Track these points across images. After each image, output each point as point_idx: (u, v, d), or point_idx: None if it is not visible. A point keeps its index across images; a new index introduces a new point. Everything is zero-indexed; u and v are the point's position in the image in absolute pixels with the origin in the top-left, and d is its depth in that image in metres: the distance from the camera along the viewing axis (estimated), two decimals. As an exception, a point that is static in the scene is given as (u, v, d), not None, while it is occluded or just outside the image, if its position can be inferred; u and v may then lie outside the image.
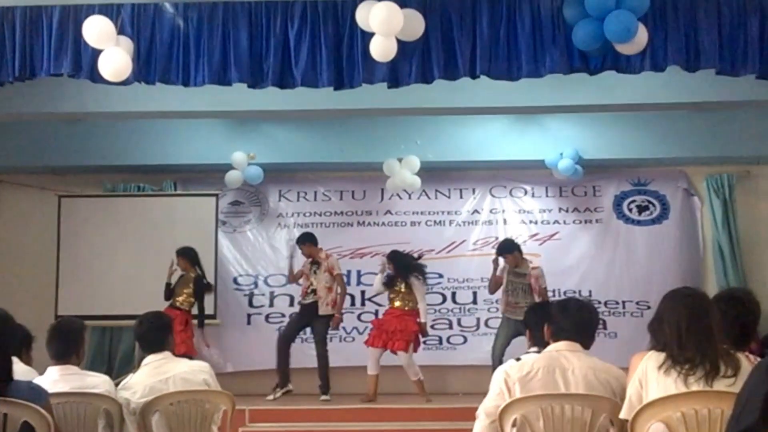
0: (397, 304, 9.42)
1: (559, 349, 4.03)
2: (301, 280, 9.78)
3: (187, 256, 9.45)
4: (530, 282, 9.16)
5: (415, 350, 9.38)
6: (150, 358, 4.88)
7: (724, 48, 6.27)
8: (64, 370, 4.62)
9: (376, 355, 9.29)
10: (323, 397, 9.27)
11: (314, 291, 9.48)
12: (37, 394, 3.80)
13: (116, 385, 4.85)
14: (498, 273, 9.36)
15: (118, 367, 10.24)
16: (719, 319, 3.62)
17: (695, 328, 3.56)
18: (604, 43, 5.98)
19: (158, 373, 4.79)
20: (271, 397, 9.16)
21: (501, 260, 9.31)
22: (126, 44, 6.15)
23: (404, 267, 9.49)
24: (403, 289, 9.41)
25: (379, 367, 9.28)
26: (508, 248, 9.38)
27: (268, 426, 8.48)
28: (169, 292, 9.37)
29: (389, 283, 9.49)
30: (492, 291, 9.62)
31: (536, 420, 3.78)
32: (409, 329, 9.26)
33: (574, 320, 4.09)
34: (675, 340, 3.55)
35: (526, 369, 3.97)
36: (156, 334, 4.95)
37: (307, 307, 9.54)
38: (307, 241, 9.69)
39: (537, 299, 8.89)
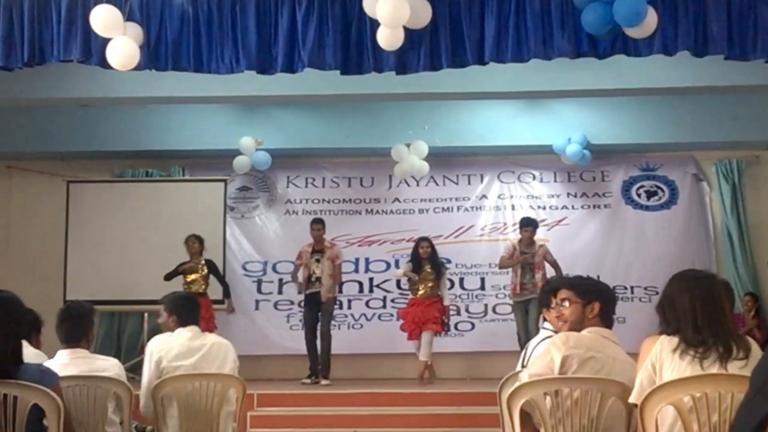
0: (421, 293, 9.53)
1: (605, 335, 3.95)
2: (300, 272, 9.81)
3: (201, 240, 9.63)
4: (534, 261, 9.41)
5: (441, 330, 9.62)
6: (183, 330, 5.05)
7: (733, 33, 6.23)
8: (74, 353, 4.63)
9: (418, 344, 9.51)
10: (324, 382, 9.30)
11: (318, 279, 9.51)
12: (47, 377, 3.81)
13: (126, 369, 4.92)
14: (514, 258, 9.53)
15: (126, 351, 10.28)
16: (728, 301, 3.63)
17: (708, 310, 3.55)
18: (613, 26, 5.96)
19: (196, 338, 5.01)
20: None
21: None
22: (135, 31, 6.13)
23: (435, 250, 9.66)
24: (430, 275, 9.52)
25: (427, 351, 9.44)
26: (533, 222, 9.70)
27: (276, 410, 8.51)
28: (171, 276, 9.49)
29: (417, 268, 9.56)
30: (501, 266, 9.79)
31: (544, 403, 3.77)
32: (438, 314, 9.48)
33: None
34: (689, 322, 3.53)
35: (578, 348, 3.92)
36: (192, 309, 5.21)
37: (312, 296, 9.57)
38: (322, 224, 9.74)
39: (539, 277, 9.30)
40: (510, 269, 9.62)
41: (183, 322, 5.08)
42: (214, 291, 9.71)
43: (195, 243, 9.62)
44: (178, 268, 9.52)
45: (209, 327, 9.02)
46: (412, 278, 9.59)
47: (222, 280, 9.85)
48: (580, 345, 3.81)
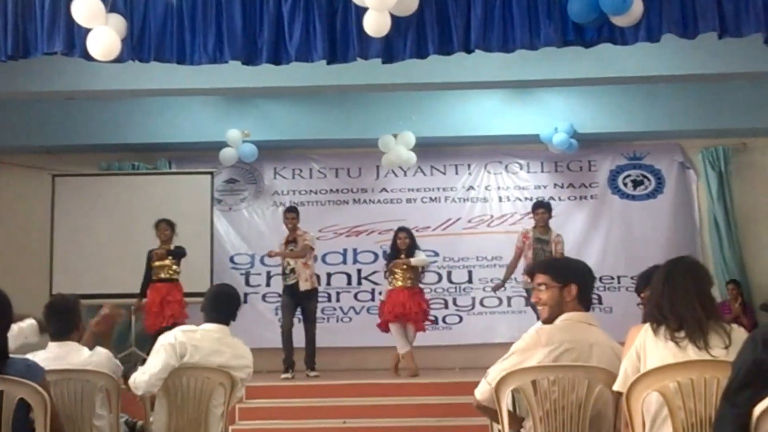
0: (399, 283, 9.37)
1: (578, 319, 3.95)
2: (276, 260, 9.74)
3: (172, 225, 9.45)
4: (551, 249, 9.27)
5: (422, 328, 9.48)
6: (211, 327, 4.92)
7: (724, 8, 6.08)
8: (64, 346, 4.62)
9: (400, 332, 9.30)
10: (312, 374, 9.25)
11: (293, 270, 9.40)
12: (33, 371, 3.79)
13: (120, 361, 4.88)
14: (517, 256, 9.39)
15: (115, 345, 10.23)
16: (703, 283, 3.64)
17: (692, 296, 3.56)
18: (599, 15, 5.95)
19: (220, 343, 4.86)
20: (289, 375, 9.17)
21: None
22: (117, 22, 6.08)
23: (414, 241, 9.53)
24: (402, 266, 9.38)
25: (408, 342, 9.30)
26: (546, 204, 9.55)
27: (264, 402, 8.50)
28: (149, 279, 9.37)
29: (392, 257, 9.46)
30: (506, 278, 9.64)
31: (532, 391, 3.78)
32: (422, 308, 9.36)
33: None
34: (672, 308, 3.55)
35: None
36: (228, 306, 5.04)
37: (290, 287, 9.43)
38: (296, 213, 9.62)
39: None
40: (522, 257, 9.38)
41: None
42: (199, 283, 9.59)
43: (167, 229, 9.39)
44: (149, 272, 9.37)
45: (180, 314, 8.99)
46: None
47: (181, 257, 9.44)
48: (551, 341, 3.83)
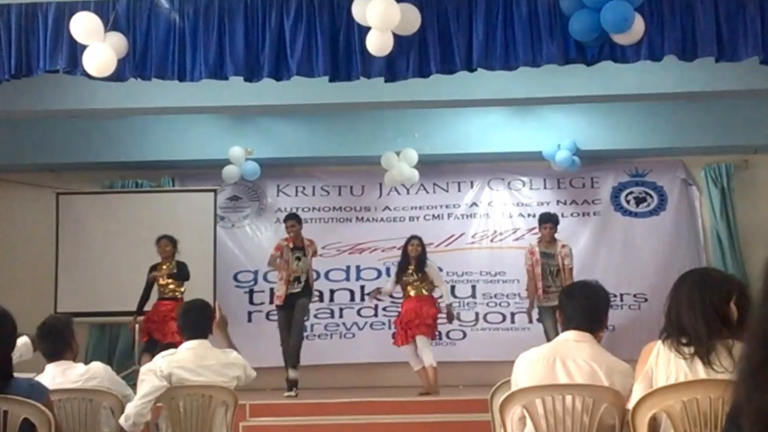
0: (413, 293, 9.31)
1: (567, 338, 3.95)
2: (275, 273, 9.62)
3: (174, 242, 9.43)
4: (558, 262, 9.22)
5: (432, 336, 9.36)
6: (191, 344, 4.91)
7: (722, 34, 6.20)
8: (60, 365, 4.64)
9: (410, 352, 9.22)
10: (292, 374, 9.08)
11: (298, 279, 9.31)
12: (37, 391, 3.79)
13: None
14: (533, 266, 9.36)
15: (118, 363, 10.23)
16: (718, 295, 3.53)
17: (695, 309, 3.45)
18: (600, 33, 5.98)
19: (203, 357, 4.86)
20: (293, 393, 9.04)
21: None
22: (116, 40, 6.12)
23: (425, 251, 9.46)
24: (415, 276, 9.30)
25: (420, 360, 9.22)
26: (553, 218, 9.50)
27: (268, 420, 8.47)
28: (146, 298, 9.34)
29: (401, 270, 9.38)
30: (531, 302, 9.54)
31: (537, 411, 3.77)
32: (426, 313, 9.19)
33: (581, 307, 3.98)
34: (678, 322, 3.49)
35: (534, 355, 3.95)
36: (201, 320, 5.02)
37: (291, 297, 9.26)
38: (296, 220, 9.53)
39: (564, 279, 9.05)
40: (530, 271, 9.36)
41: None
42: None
43: (168, 245, 9.37)
44: (149, 290, 9.35)
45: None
46: (382, 292, 9.57)
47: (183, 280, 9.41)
48: (531, 354, 3.93)
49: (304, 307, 9.35)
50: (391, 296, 10.00)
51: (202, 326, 4.99)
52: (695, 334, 3.43)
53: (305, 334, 9.80)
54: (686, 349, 3.43)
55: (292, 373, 9.11)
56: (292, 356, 9.17)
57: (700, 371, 3.41)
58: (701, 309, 3.44)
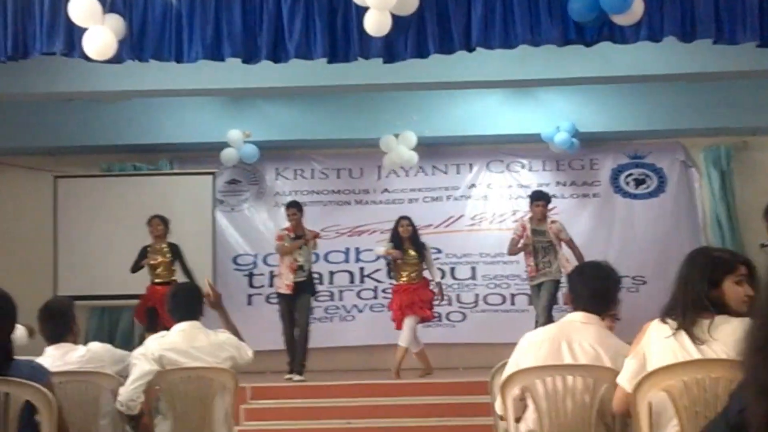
0: (404, 279, 9.28)
1: (574, 319, 3.94)
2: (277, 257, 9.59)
3: (166, 221, 9.39)
4: (551, 239, 9.21)
5: (431, 318, 9.41)
6: (182, 326, 4.90)
7: (721, 16, 6.20)
8: (61, 348, 4.64)
9: (409, 326, 9.15)
10: (297, 378, 9.02)
11: (301, 267, 9.30)
12: (38, 373, 3.80)
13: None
14: (519, 245, 9.34)
15: (120, 346, 10.21)
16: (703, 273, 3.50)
17: (684, 285, 3.47)
18: (599, 13, 5.95)
19: (193, 337, 4.85)
20: (296, 377, 9.02)
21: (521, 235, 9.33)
22: (114, 22, 6.08)
23: (416, 231, 9.44)
24: (412, 255, 9.28)
25: (419, 342, 9.23)
26: (545, 196, 9.48)
27: (269, 402, 8.51)
28: (137, 267, 9.34)
29: (397, 247, 9.30)
30: (509, 253, 9.63)
31: (538, 391, 3.77)
32: (426, 297, 9.23)
33: (589, 288, 3.97)
34: (673, 302, 3.49)
35: (539, 336, 3.95)
36: (190, 301, 5.01)
37: (298, 285, 9.24)
38: (298, 208, 9.50)
39: (561, 250, 9.12)
40: (524, 252, 9.37)
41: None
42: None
43: (159, 225, 9.33)
44: (140, 262, 9.32)
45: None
46: (395, 256, 9.29)
47: (186, 267, 9.34)
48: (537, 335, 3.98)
49: (307, 307, 9.34)
50: (389, 276, 9.86)
51: (192, 308, 4.96)
52: (680, 310, 3.43)
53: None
54: (672, 323, 3.43)
55: (296, 377, 9.09)
56: (297, 364, 9.14)
57: (688, 345, 3.40)
58: (690, 286, 3.45)
